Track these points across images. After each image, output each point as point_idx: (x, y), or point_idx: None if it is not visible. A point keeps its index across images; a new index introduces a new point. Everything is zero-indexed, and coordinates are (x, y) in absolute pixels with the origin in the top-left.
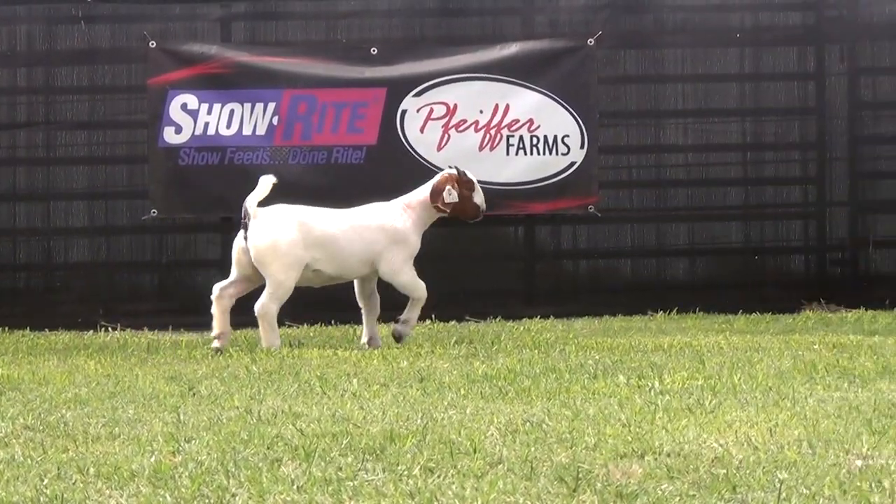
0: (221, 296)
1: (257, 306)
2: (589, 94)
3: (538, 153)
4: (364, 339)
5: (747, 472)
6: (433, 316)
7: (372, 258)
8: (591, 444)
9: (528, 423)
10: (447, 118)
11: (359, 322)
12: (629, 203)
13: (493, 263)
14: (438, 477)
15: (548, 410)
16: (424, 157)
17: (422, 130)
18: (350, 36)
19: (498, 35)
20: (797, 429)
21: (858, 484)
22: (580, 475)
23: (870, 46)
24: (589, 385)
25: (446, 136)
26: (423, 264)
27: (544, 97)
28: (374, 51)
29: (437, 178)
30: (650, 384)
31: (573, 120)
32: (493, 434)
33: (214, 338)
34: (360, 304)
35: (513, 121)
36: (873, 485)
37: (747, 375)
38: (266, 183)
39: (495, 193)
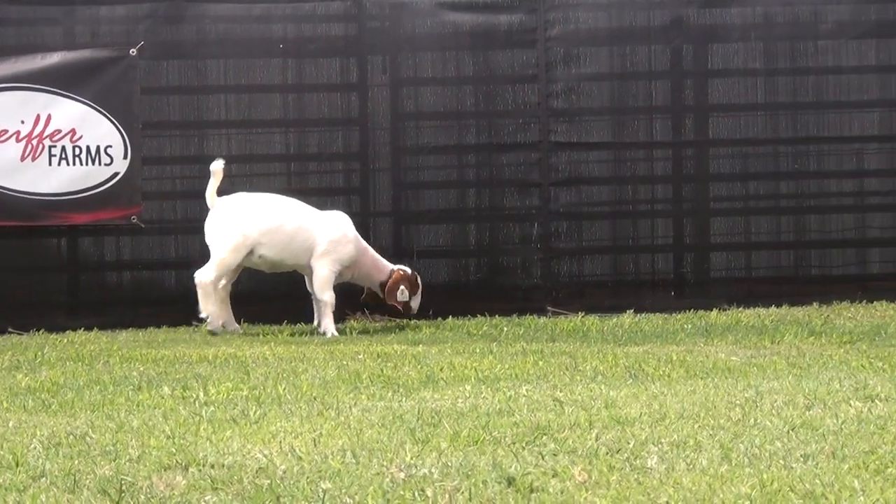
0: None
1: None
2: (131, 104)
3: (81, 164)
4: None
5: (291, 482)
6: None
7: None
8: (134, 457)
9: (71, 436)
10: None
11: None
12: (173, 214)
13: (35, 275)
14: None
15: (91, 423)
16: None
17: None
18: None
19: (39, 44)
20: (341, 439)
21: (402, 493)
22: (124, 487)
23: (411, 57)
24: (133, 397)
25: None
26: None
27: (87, 107)
28: None
29: (392, 274)
30: (195, 395)
31: (116, 130)
32: (35, 447)
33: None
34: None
35: (55, 131)
36: (416, 493)
37: (292, 386)
38: None
39: (38, 204)
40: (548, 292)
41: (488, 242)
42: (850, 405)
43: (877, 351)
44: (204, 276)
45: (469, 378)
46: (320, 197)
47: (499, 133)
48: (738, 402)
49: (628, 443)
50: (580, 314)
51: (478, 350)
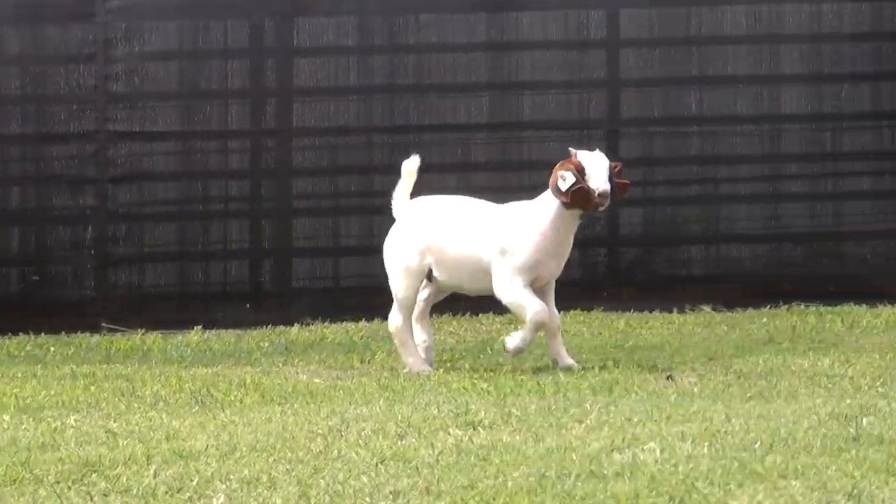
0: None
1: None
2: None
3: None
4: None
5: None
6: None
7: None
8: None
9: None
10: None
11: None
12: None
13: None
14: None
15: None
16: None
17: None
18: None
19: None
20: None
21: None
22: None
23: None
24: None
25: None
26: None
27: None
28: None
29: None
30: None
31: None
32: None
33: None
34: None
35: None
36: None
37: None
38: None
39: None
40: (103, 306)
41: (34, 249)
42: (449, 433)
43: (480, 371)
44: (394, 321)
45: (8, 407)
46: None
47: (48, 121)
48: (319, 431)
49: (192, 480)
50: (140, 331)
51: (19, 374)
